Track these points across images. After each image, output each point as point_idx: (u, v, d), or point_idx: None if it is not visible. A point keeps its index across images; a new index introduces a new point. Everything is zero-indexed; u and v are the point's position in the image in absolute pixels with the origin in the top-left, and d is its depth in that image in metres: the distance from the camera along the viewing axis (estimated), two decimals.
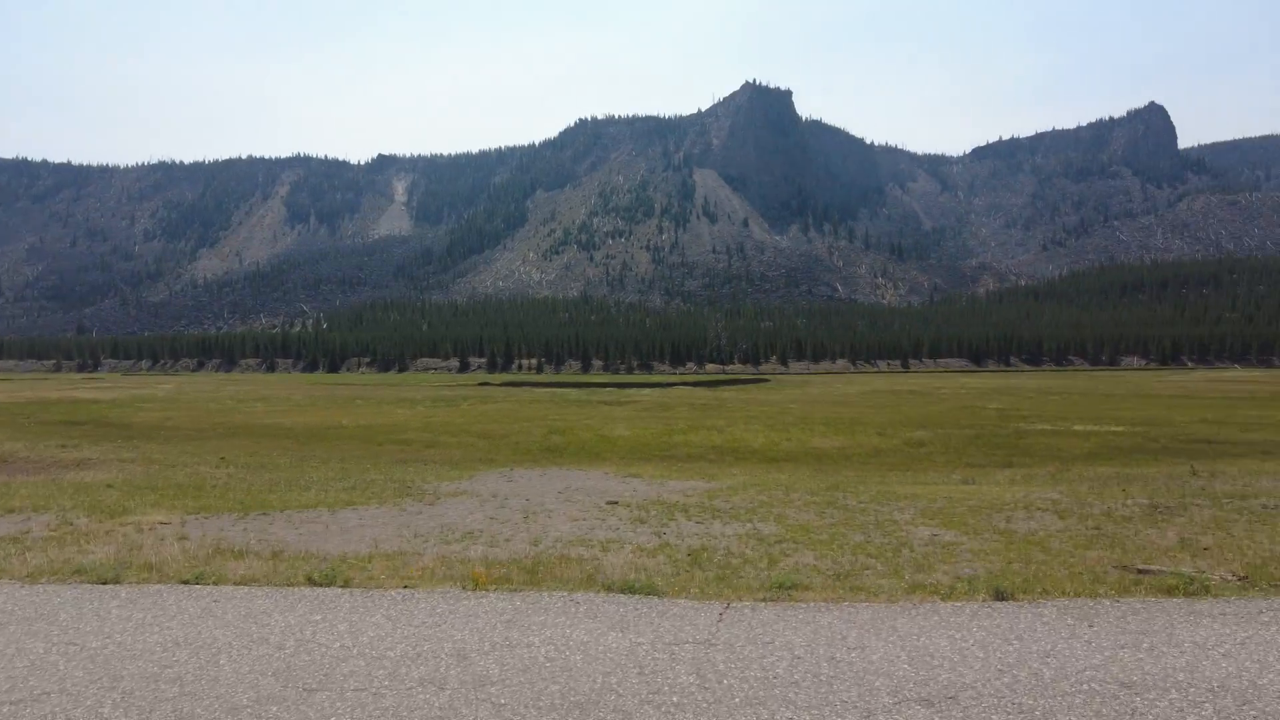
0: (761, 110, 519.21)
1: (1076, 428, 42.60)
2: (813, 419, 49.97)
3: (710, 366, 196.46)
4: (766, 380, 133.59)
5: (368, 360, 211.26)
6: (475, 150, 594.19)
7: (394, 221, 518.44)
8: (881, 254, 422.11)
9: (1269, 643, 4.45)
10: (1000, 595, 5.41)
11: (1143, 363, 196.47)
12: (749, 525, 12.95)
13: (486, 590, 7.56)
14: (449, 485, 18.57)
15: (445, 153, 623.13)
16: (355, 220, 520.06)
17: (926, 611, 5.22)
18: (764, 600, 5.94)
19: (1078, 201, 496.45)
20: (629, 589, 7.30)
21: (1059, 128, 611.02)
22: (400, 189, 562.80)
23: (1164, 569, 8.17)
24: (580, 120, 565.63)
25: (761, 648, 4.95)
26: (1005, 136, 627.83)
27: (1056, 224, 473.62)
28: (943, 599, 5.58)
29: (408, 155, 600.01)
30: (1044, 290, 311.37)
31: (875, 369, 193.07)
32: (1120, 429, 41.61)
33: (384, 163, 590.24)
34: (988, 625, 4.87)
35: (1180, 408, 56.28)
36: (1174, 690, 3.84)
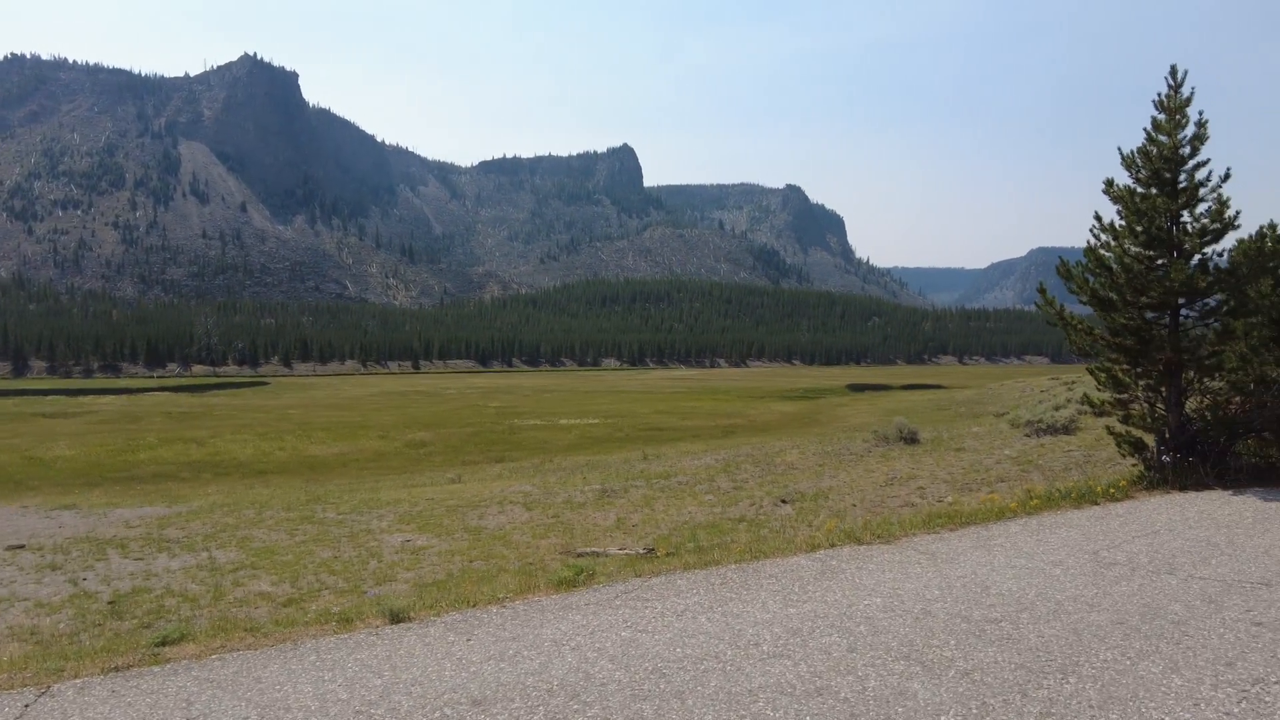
0: (264, 88, 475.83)
1: (562, 421, 47.55)
2: (313, 425, 47.12)
3: (198, 369, 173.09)
4: (266, 384, 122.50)
5: None
6: None
7: None
8: (393, 255, 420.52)
9: (611, 627, 4.98)
10: (396, 618, 5.24)
11: (618, 363, 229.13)
12: (204, 554, 11.28)
13: None
14: None
15: None
16: None
17: (307, 652, 4.78)
18: (112, 671, 4.69)
19: (569, 222, 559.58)
20: None
21: (555, 153, 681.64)
22: None
23: (598, 550, 9.17)
24: (13, 55, 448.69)
25: None
26: (509, 154, 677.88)
27: (552, 240, 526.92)
28: (341, 628, 5.22)
29: None
30: (541, 299, 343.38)
31: (386, 370, 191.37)
32: (597, 421, 47.66)
33: None
34: (364, 658, 4.62)
35: (642, 401, 66.85)
36: (518, 698, 4.00)
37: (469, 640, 4.79)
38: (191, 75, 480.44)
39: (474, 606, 5.53)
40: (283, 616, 6.77)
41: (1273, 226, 9.94)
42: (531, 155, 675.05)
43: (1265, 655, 4.24)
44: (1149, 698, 3.77)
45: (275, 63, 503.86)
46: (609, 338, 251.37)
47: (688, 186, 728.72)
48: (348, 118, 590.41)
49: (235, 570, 10.09)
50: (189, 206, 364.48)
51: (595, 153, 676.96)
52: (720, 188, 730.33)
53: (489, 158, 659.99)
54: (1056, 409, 19.72)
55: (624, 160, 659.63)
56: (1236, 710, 3.64)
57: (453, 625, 5.10)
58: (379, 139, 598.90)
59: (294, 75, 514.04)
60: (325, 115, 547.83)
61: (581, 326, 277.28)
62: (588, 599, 5.58)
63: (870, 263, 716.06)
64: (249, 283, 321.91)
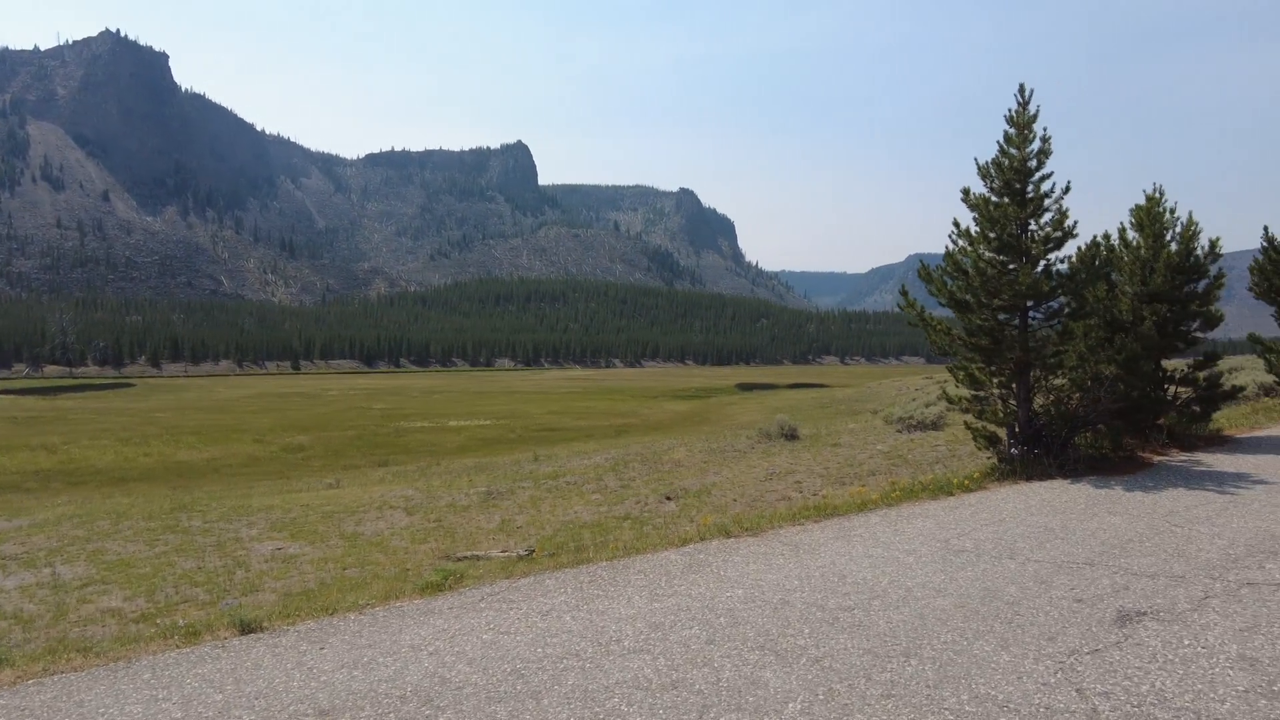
0: (129, 68, 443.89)
1: (451, 423, 46.55)
2: (183, 429, 44.33)
3: (52, 369, 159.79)
4: (131, 385, 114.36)
5: None
6: None
7: None
8: (272, 249, 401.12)
9: (473, 630, 4.91)
10: (246, 629, 4.99)
11: (512, 364, 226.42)
12: (46, 571, 10.41)
13: None
14: None
15: None
16: None
17: (142, 670, 4.50)
18: None
19: (461, 219, 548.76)
20: None
21: (446, 148, 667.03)
22: None
23: (478, 553, 9.02)
24: None
25: None
26: (398, 147, 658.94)
27: (443, 237, 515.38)
28: (186, 642, 4.93)
29: None
30: (431, 297, 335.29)
31: (264, 371, 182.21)
32: (488, 422, 46.91)
33: None
34: (206, 673, 4.39)
35: (536, 402, 66.29)
36: (368, 705, 3.89)
37: (322, 649, 4.61)
38: (43, 49, 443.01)
39: (333, 614, 5.32)
40: (127, 634, 6.32)
41: (1106, 236, 10.82)
42: (422, 149, 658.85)
43: (1081, 629, 4.59)
44: (980, 674, 4.02)
45: (142, 41, 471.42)
46: (503, 337, 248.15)
47: (583, 186, 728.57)
48: (224, 104, 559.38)
49: (83, 587, 9.35)
50: (39, 192, 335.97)
51: (488, 148, 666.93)
52: (615, 189, 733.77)
53: (376, 150, 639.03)
54: (926, 406, 20.80)
55: (518, 157, 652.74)
56: (1053, 680, 3.92)
57: (307, 634, 4.89)
58: (259, 128, 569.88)
59: (163, 56, 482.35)
60: (199, 101, 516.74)
61: (474, 326, 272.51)
62: (452, 603, 5.47)
63: (759, 266, 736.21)
64: (112, 277, 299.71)
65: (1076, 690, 3.81)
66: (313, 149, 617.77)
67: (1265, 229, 18.05)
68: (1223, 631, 4.51)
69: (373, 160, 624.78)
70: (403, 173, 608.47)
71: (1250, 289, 18.28)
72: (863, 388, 64.77)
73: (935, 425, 21.01)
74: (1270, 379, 18.28)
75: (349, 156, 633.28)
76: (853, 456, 17.41)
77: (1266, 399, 17.44)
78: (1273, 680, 3.90)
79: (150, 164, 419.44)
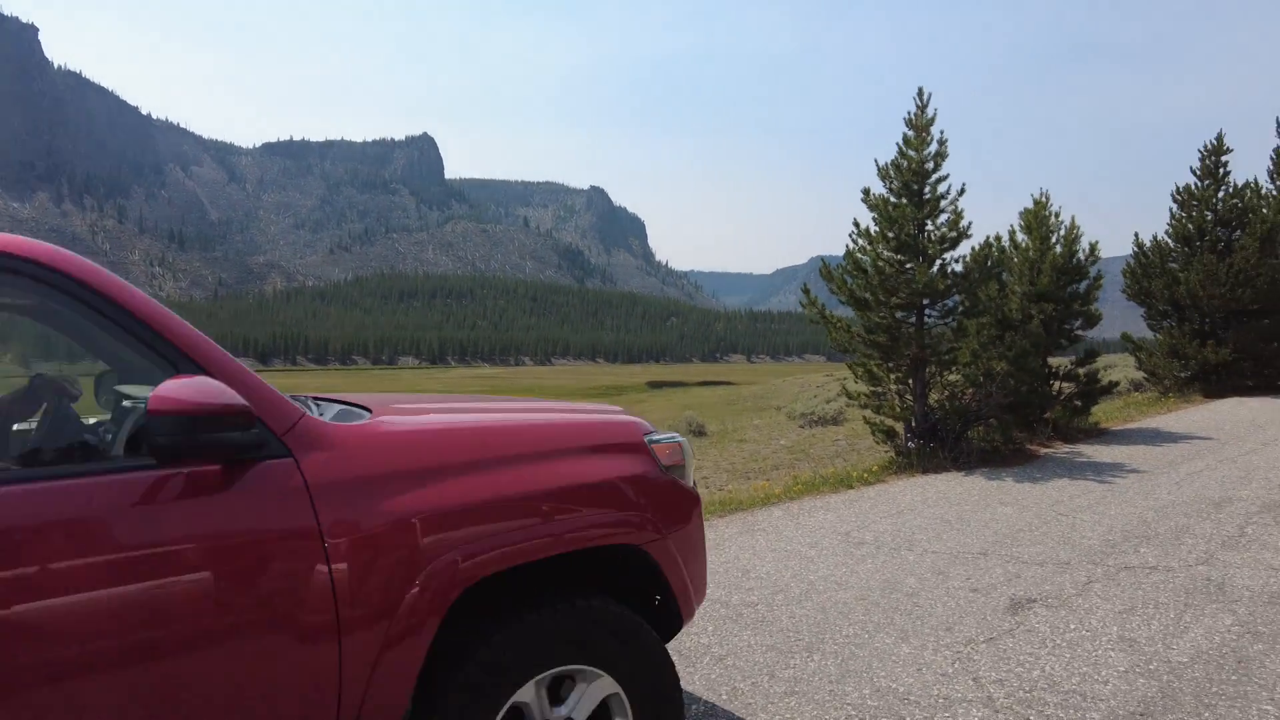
0: None
1: None
2: None
3: None
4: None
5: None
6: None
7: None
8: (160, 241, 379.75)
9: None
10: None
11: (417, 362, 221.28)
12: None
13: None
14: None
15: None
16: None
17: None
18: None
19: (363, 211, 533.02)
20: None
21: (348, 138, 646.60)
22: None
23: None
24: None
25: None
26: (297, 137, 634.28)
27: (344, 230, 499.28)
28: None
29: None
30: (331, 292, 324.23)
31: None
32: None
33: None
34: None
35: None
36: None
37: None
38: None
39: None
40: None
41: (998, 238, 11.27)
42: (322, 139, 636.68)
43: (977, 618, 4.69)
44: (880, 667, 4.02)
45: (8, 11, 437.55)
46: (407, 335, 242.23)
47: (492, 181, 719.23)
48: (104, 84, 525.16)
49: None
50: None
51: (393, 140, 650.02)
52: (525, 185, 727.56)
53: (274, 139, 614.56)
54: (827, 402, 21.34)
55: (424, 150, 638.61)
56: (951, 670, 3.96)
57: None
58: (144, 111, 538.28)
59: (32, 29, 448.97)
60: (75, 79, 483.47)
61: (376, 322, 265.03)
62: None
63: (669, 265, 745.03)
64: None
65: (973, 679, 3.86)
66: (205, 136, 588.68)
67: (1135, 235, 19.29)
68: (1104, 614, 4.68)
69: (270, 149, 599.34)
70: (301, 163, 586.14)
71: (1123, 291, 19.52)
72: (767, 385, 66.21)
73: (836, 420, 21.57)
74: (1140, 375, 19.57)
75: (245, 145, 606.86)
76: (757, 451, 17.64)
77: (1136, 394, 18.65)
78: (1149, 659, 4.05)
79: (18, 148, 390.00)
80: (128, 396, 2.26)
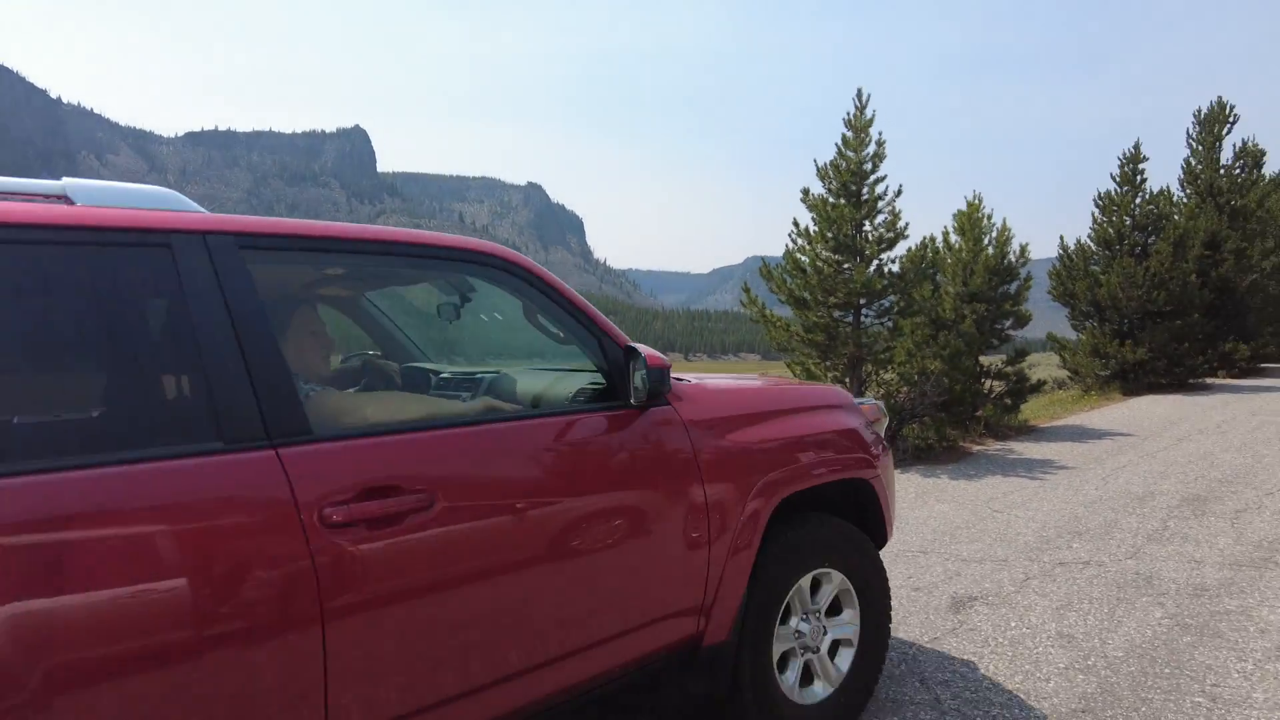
0: None
1: None
2: None
3: None
4: None
5: None
6: None
7: None
8: None
9: None
10: None
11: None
12: None
13: None
14: None
15: None
16: None
17: None
18: None
19: (292, 205, 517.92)
20: None
21: (277, 129, 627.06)
22: None
23: None
24: None
25: None
26: (223, 126, 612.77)
27: None
28: None
29: None
30: None
31: None
32: None
33: None
34: None
35: None
36: None
37: None
38: None
39: None
40: None
41: (932, 239, 11.48)
42: (249, 130, 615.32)
43: (920, 618, 4.70)
44: None
45: None
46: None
47: (425, 175, 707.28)
48: (8, 64, 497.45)
49: None
50: None
51: (323, 132, 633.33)
52: (460, 179, 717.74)
53: (198, 129, 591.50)
54: None
55: (355, 142, 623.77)
56: (899, 672, 3.94)
57: None
58: (53, 95, 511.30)
59: None
60: None
61: None
62: None
63: (607, 264, 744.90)
64: None
65: (920, 681, 3.85)
66: (122, 123, 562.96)
67: (1061, 238, 19.98)
68: (1043, 611, 4.75)
69: (194, 139, 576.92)
70: (227, 154, 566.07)
71: (1049, 292, 20.20)
72: None
73: None
74: (1064, 374, 20.29)
75: (165, 134, 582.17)
76: None
77: (1060, 391, 19.33)
78: (1087, 655, 4.11)
79: None
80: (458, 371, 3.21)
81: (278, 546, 1.72)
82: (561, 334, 2.63)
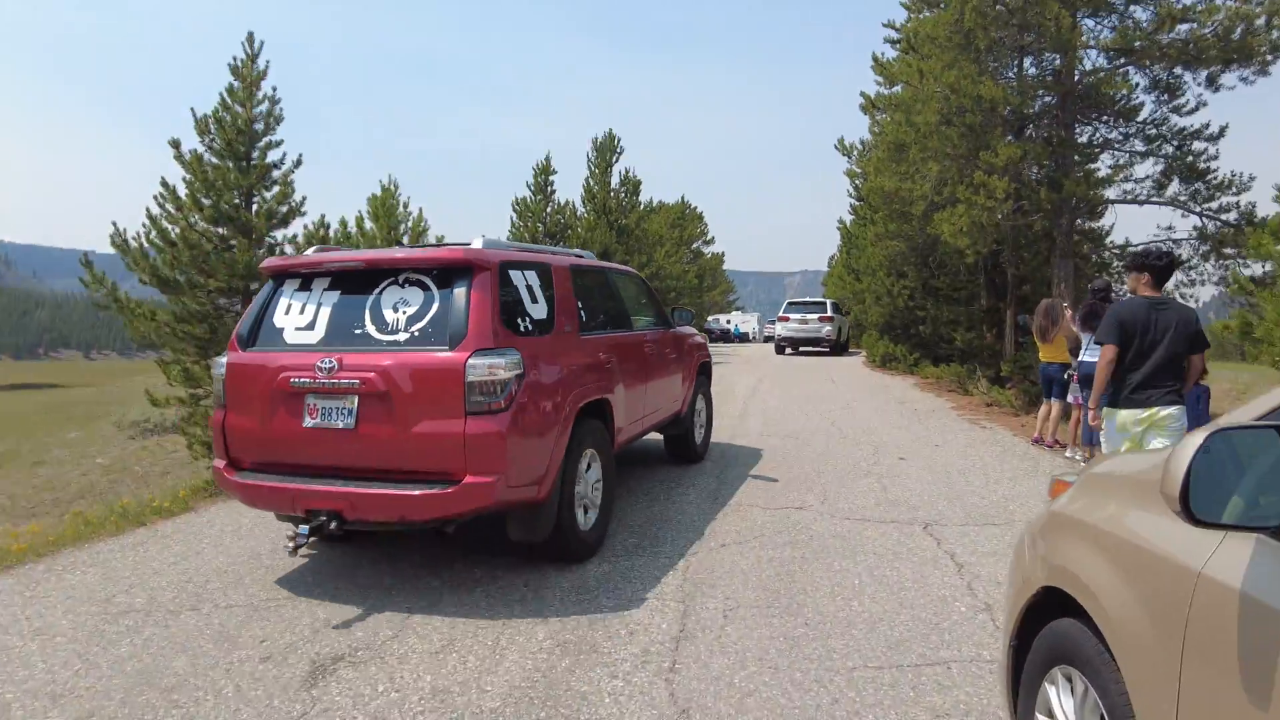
0: None
1: None
2: None
3: None
4: None
5: None
6: None
7: None
8: None
9: None
10: None
11: None
12: None
13: None
14: None
15: None
16: None
17: None
18: None
19: None
20: None
21: None
22: None
23: None
24: None
25: None
26: None
27: None
28: None
29: None
30: None
31: None
32: None
33: None
34: None
35: None
36: None
37: None
38: None
39: None
40: None
41: (344, 223, 10.29)
42: None
43: (263, 705, 3.44)
44: None
45: None
46: None
47: None
48: None
49: None
50: None
51: None
52: None
53: None
54: (154, 404, 17.90)
55: None
56: None
57: None
58: None
59: None
60: None
61: None
62: None
63: None
64: None
65: None
66: None
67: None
68: (416, 663, 3.92)
69: None
70: None
71: None
72: (110, 386, 55.28)
73: (179, 428, 18.36)
74: None
75: None
76: (61, 477, 13.79)
77: None
78: (460, 713, 3.38)
79: None
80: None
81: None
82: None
